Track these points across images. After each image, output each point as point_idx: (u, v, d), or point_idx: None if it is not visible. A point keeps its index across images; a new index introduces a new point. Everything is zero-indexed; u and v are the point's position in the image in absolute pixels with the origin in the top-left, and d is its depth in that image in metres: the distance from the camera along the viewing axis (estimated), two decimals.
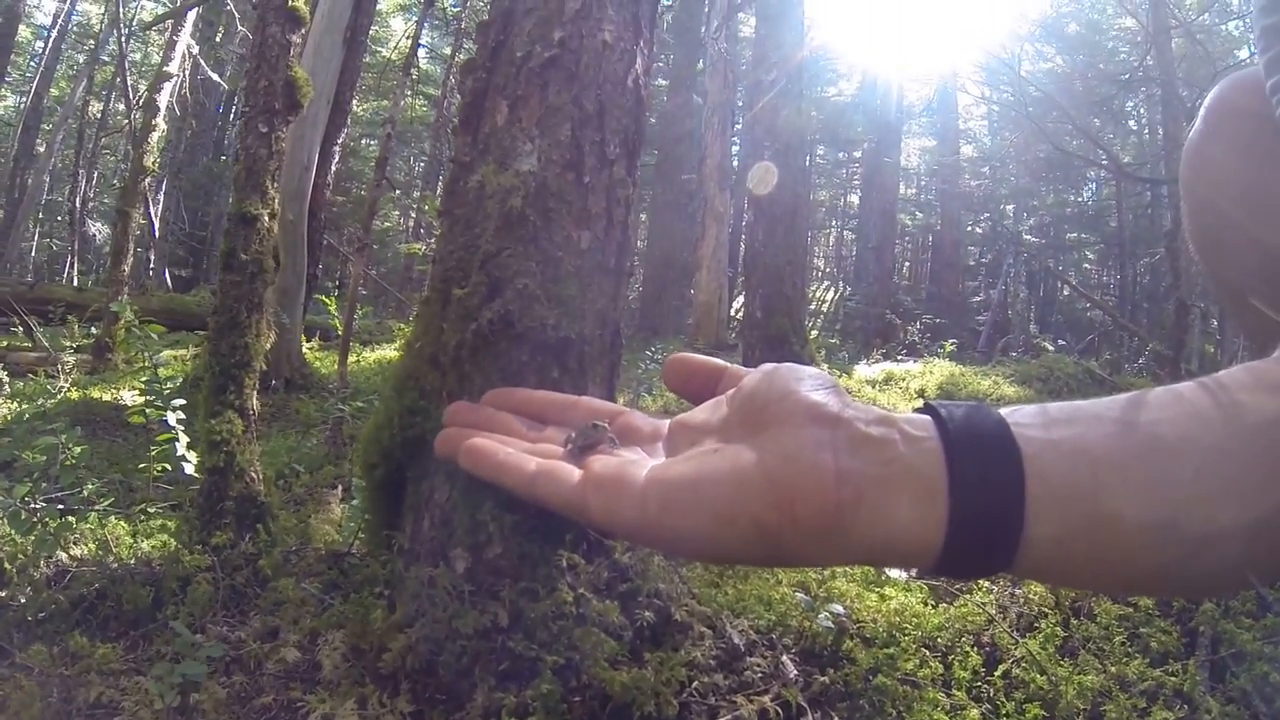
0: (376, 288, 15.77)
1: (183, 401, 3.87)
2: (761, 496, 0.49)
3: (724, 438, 0.56)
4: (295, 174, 8.56)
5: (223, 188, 19.94)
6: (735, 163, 17.06)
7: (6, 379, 8.36)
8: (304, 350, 9.15)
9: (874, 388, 8.62)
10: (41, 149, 20.90)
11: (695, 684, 2.30)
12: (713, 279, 15.12)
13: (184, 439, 3.81)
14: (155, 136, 11.43)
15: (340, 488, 4.57)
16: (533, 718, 2.09)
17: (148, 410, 3.87)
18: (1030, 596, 3.08)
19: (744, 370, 0.65)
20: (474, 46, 2.95)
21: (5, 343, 11.09)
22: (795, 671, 2.49)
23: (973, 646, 2.77)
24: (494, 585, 2.30)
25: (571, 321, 2.41)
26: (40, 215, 21.81)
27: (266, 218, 3.88)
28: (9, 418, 6.54)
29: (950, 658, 2.70)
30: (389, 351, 11.06)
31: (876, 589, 3.11)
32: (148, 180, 12.22)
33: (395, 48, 19.53)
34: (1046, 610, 3.00)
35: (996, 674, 2.64)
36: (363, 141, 23.43)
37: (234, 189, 4.03)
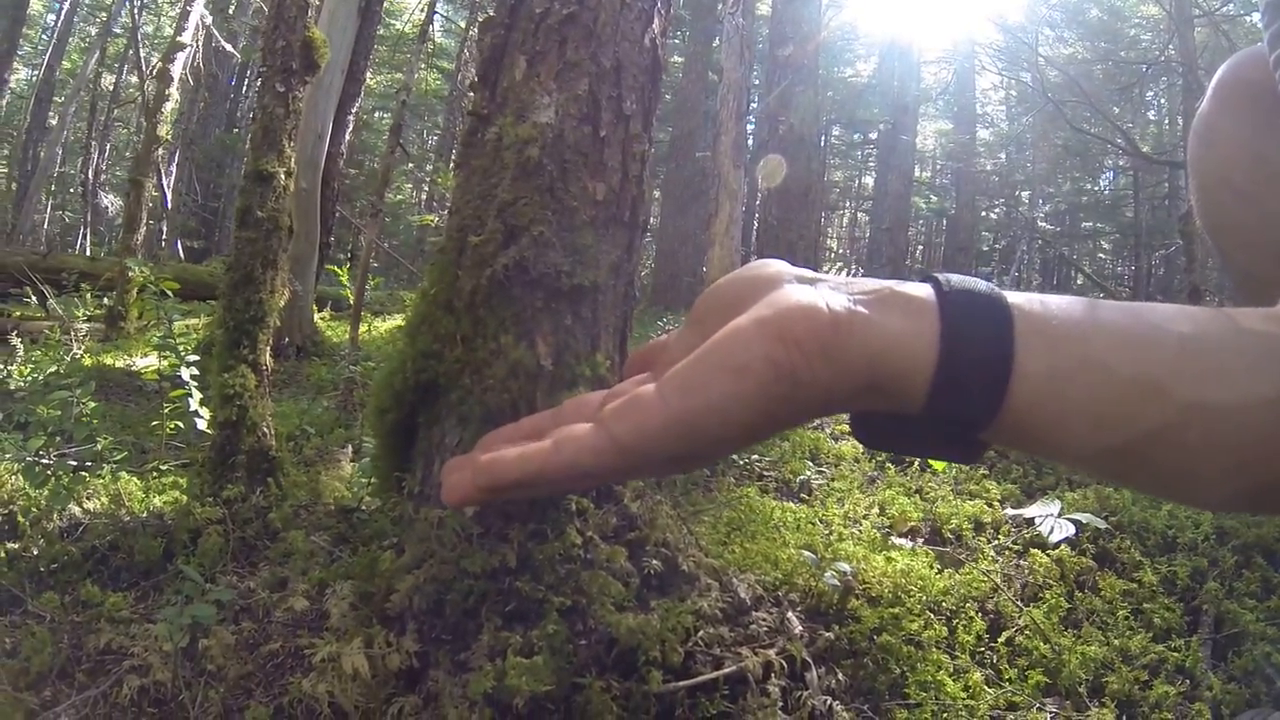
0: (388, 259, 15.80)
1: (197, 358, 3.93)
2: (762, 335, 0.50)
3: (706, 333, 0.55)
4: (309, 142, 8.59)
5: (235, 159, 20.02)
6: (750, 141, 17.02)
7: (20, 345, 8.52)
8: (315, 319, 9.26)
9: None
10: (54, 121, 21.01)
11: (701, 633, 2.32)
12: (725, 256, 15.08)
13: (197, 395, 3.87)
14: (169, 107, 11.47)
15: (350, 448, 4.62)
16: (538, 657, 2.12)
17: (162, 365, 3.92)
18: (1035, 568, 3.10)
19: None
20: (490, 9, 2.99)
21: (19, 312, 11.23)
22: (801, 628, 2.51)
23: (977, 612, 2.80)
24: (503, 528, 2.35)
25: (586, 270, 2.45)
26: (53, 188, 21.90)
27: (283, 176, 3.93)
28: (25, 381, 6.63)
29: (955, 622, 2.73)
30: (400, 321, 11.11)
31: (883, 552, 3.14)
32: (160, 151, 12.29)
33: (409, 21, 19.50)
34: (1051, 582, 3.03)
35: (1000, 640, 2.66)
36: (375, 115, 23.43)
37: (250, 148, 4.07)
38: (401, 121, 7.16)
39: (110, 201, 19.96)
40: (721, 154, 15.68)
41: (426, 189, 24.31)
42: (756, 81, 18.87)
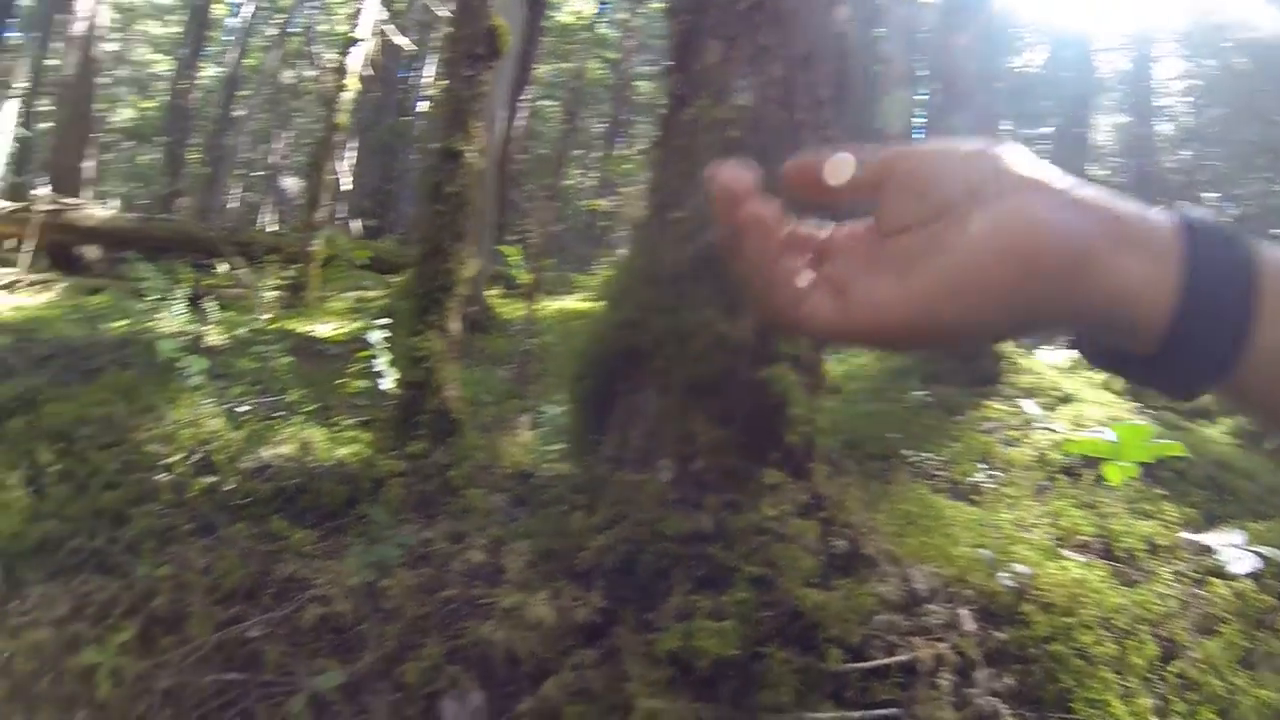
0: (558, 241, 16.24)
1: (386, 320, 4.26)
2: (1010, 265, 0.51)
3: (929, 206, 0.55)
4: (485, 123, 8.99)
5: (406, 146, 21.09)
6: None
7: (211, 309, 9.36)
8: (488, 297, 9.74)
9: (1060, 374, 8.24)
10: (241, 113, 22.62)
11: (878, 618, 2.36)
12: None
13: (384, 356, 4.19)
14: (346, 97, 12.21)
15: (528, 417, 4.87)
16: (726, 622, 2.20)
17: (352, 328, 4.26)
18: (1213, 599, 2.96)
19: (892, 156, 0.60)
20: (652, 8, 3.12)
21: (210, 281, 12.28)
22: (973, 625, 2.51)
23: (1150, 636, 2.70)
24: (699, 497, 2.43)
25: None
26: (238, 173, 23.62)
27: (470, 154, 4.23)
28: (221, 339, 7.28)
29: (1126, 642, 2.64)
30: (569, 302, 11.47)
31: (1057, 560, 3.07)
32: (339, 137, 13.10)
33: (572, 12, 19.95)
34: (1230, 616, 2.88)
35: (1171, 669, 2.56)
36: (542, 103, 24.12)
37: (439, 129, 4.38)
38: (577, 108, 7.40)
39: (291, 184, 21.47)
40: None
41: (596, 174, 24.86)
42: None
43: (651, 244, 2.62)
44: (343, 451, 4.13)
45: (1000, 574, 2.65)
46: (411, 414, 3.86)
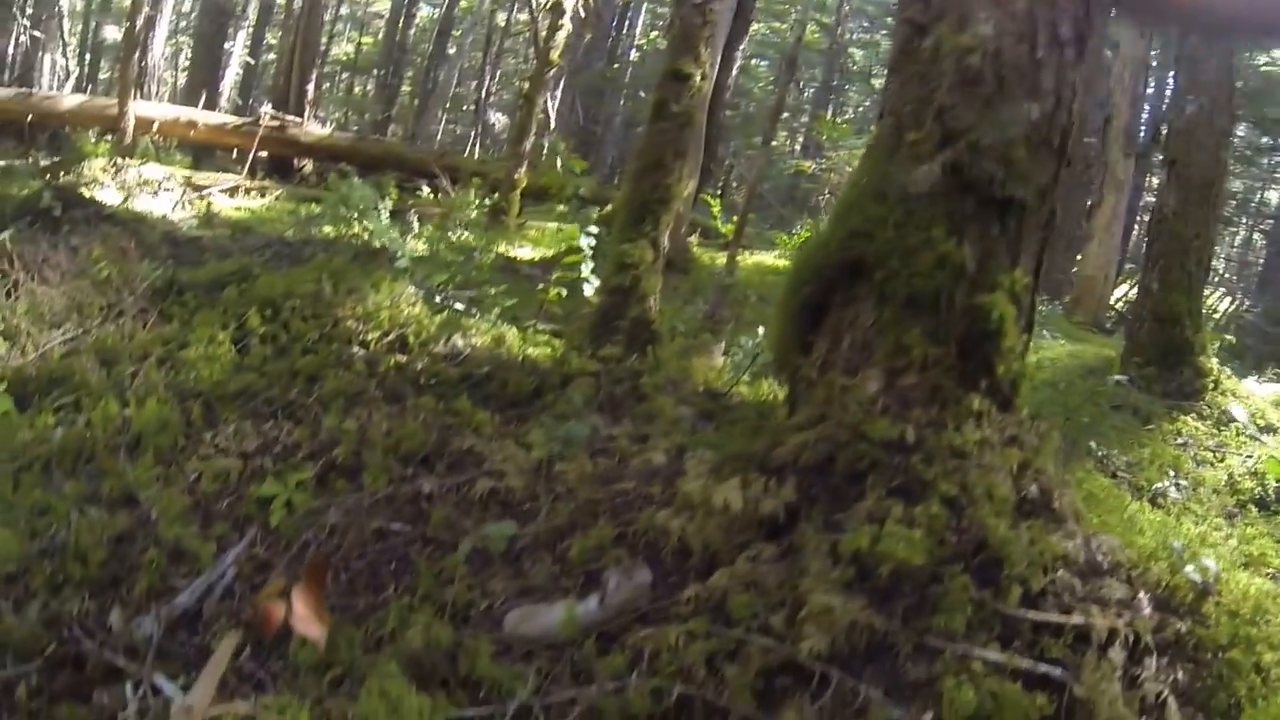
0: (760, 200, 16.18)
1: (596, 230, 4.17)
2: None
3: None
4: (703, 90, 8.88)
5: (614, 91, 21.46)
6: (1142, 128, 15.34)
7: (416, 223, 9.83)
8: (689, 239, 9.76)
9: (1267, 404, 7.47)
10: (452, 51, 23.64)
11: (1059, 574, 2.23)
12: (1103, 253, 13.77)
13: (590, 263, 4.11)
14: (560, 35, 12.36)
15: (722, 345, 4.73)
16: (916, 530, 2.11)
17: (564, 235, 4.18)
18: None
19: None
20: None
21: (413, 202, 12.88)
22: (1151, 610, 2.30)
23: None
24: (902, 410, 2.38)
25: (1016, 184, 2.48)
26: (448, 105, 24.68)
27: (697, 78, 4.17)
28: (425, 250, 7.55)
29: None
30: (768, 258, 11.35)
31: (1247, 572, 2.87)
32: (551, 73, 13.29)
33: None
34: None
35: None
36: (753, 61, 23.99)
37: (668, 52, 4.38)
38: (796, 55, 7.14)
39: (496, 118, 22.32)
40: (1112, 141, 14.23)
41: (800, 139, 24.70)
42: (1154, 62, 16.93)
43: (883, 164, 2.60)
44: (535, 352, 4.09)
45: (1187, 568, 2.46)
46: (610, 319, 3.82)
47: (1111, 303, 15.33)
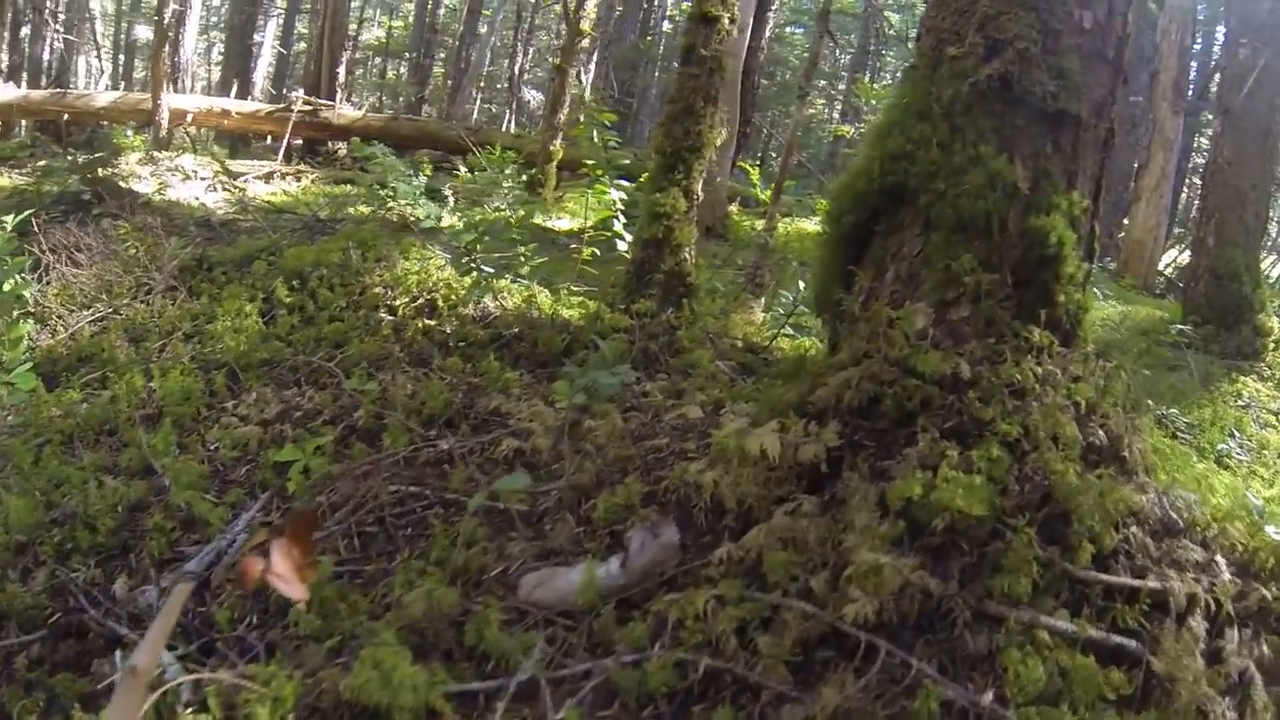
0: (799, 169, 15.89)
1: (625, 183, 4.02)
2: None
3: None
4: (731, 34, 8.67)
5: (648, 64, 21.18)
6: (1191, 83, 14.69)
7: (451, 200, 9.79)
8: (727, 205, 9.58)
9: None
10: (483, 30, 23.54)
11: (1132, 530, 2.00)
12: (1151, 214, 13.19)
13: (622, 219, 3.95)
14: (590, 4, 12.19)
15: (762, 298, 4.55)
16: (974, 477, 1.89)
17: (595, 186, 4.02)
18: None
19: None
20: None
21: (450, 181, 12.83)
22: (1230, 576, 2.07)
23: None
24: (954, 347, 2.14)
25: (1070, 97, 2.26)
26: (481, 84, 24.60)
27: (726, 21, 3.95)
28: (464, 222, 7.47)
29: None
30: (809, 225, 11.12)
31: None
32: (583, 44, 13.13)
33: None
34: None
35: None
36: (787, 30, 23.56)
37: None
38: (829, 7, 6.87)
39: (531, 95, 22.19)
40: (1159, 98, 13.59)
41: (839, 105, 24.26)
42: (1201, 15, 16.24)
43: (923, 83, 2.38)
44: (568, 313, 3.97)
45: (1268, 528, 2.19)
46: (644, 273, 3.67)
47: (1161, 268, 14.77)
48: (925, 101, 2.34)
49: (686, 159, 3.72)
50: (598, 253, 4.31)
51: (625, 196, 4.00)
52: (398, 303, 4.05)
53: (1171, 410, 4.37)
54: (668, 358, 3.27)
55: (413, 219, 4.64)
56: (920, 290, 2.21)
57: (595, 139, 4.17)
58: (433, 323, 3.82)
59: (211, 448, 2.79)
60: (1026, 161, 2.23)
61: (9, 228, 4.40)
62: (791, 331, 3.83)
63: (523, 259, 4.20)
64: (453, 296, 4.03)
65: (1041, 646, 1.73)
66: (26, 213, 4.32)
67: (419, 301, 4.04)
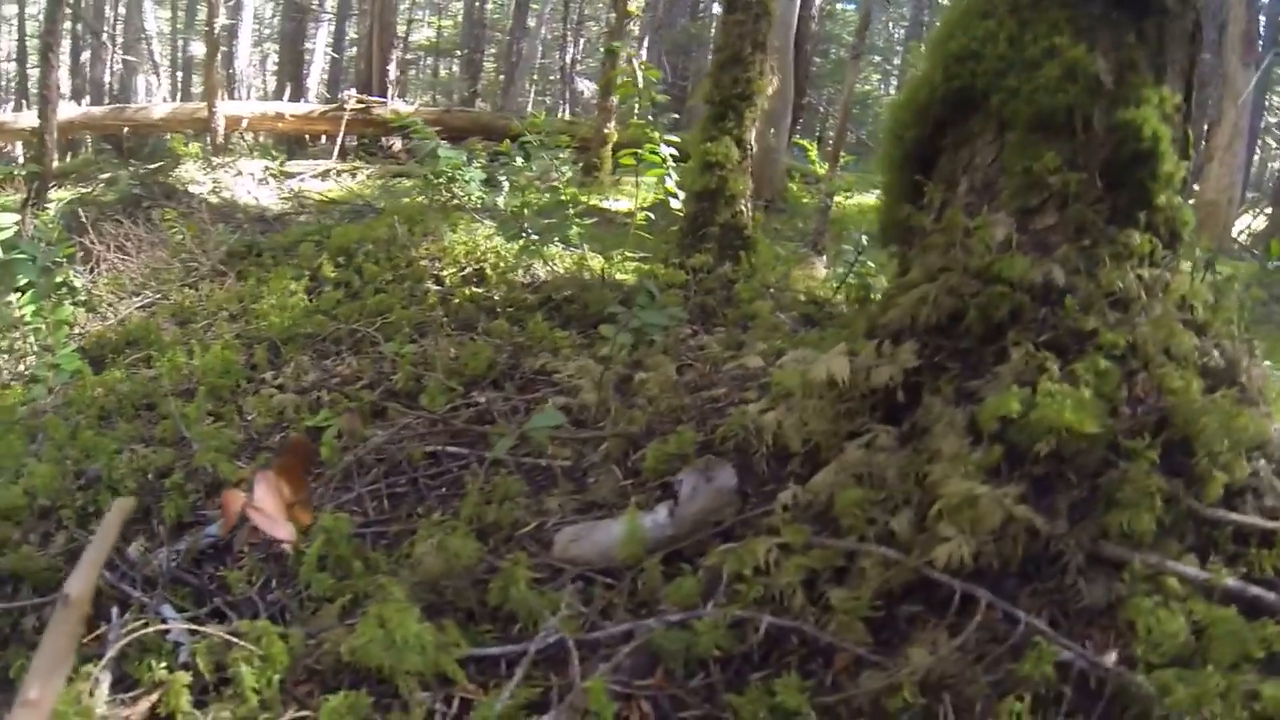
0: (857, 146, 15.55)
1: (676, 139, 3.84)
2: None
3: None
4: (781, 3, 8.52)
5: (700, 46, 20.94)
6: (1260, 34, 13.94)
7: (507, 185, 9.80)
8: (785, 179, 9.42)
9: None
10: (532, 23, 23.61)
11: (1260, 464, 1.73)
12: (1224, 174, 12.52)
13: (674, 176, 3.78)
14: None
15: (825, 258, 4.33)
16: (1082, 389, 1.63)
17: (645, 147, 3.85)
18: None
19: None
20: None
21: (504, 170, 12.85)
22: None
23: None
24: (1040, 258, 1.87)
25: None
26: (534, 76, 24.68)
27: None
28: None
29: None
30: (869, 200, 10.87)
31: None
32: (631, 23, 13.00)
33: None
34: None
35: None
36: (837, 6, 23.17)
37: None
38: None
39: (585, 86, 22.14)
40: (1229, 50, 12.91)
41: (894, 80, 23.84)
42: None
43: None
44: (620, 275, 3.81)
45: None
46: (699, 226, 3.51)
47: (1234, 235, 14.03)
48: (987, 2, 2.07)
49: (737, 107, 3.54)
50: (652, 216, 4.14)
51: (676, 153, 3.81)
52: (445, 273, 3.93)
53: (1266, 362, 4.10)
54: (726, 310, 3.09)
55: (464, 197, 4.52)
56: (999, 199, 1.96)
57: (641, 101, 3.99)
58: (480, 290, 3.69)
59: (247, 417, 2.69)
60: (1108, 53, 1.98)
61: (53, 215, 4.39)
62: (854, 280, 3.61)
63: (572, 224, 4.06)
64: (501, 264, 3.90)
65: (1171, 596, 1.45)
66: (69, 199, 4.32)
67: (466, 271, 3.92)
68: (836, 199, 8.17)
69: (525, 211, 3.82)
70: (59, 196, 10.26)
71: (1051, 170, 1.90)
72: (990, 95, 2.01)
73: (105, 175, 12.67)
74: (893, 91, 23.54)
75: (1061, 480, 1.62)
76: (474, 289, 3.68)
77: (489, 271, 3.87)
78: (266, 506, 1.15)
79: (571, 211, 4.01)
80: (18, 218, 3.77)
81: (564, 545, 1.74)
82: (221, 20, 14.13)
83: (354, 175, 12.87)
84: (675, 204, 3.73)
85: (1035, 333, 1.78)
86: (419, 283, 3.88)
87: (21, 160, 13.80)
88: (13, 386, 3.47)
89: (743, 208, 3.48)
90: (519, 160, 6.78)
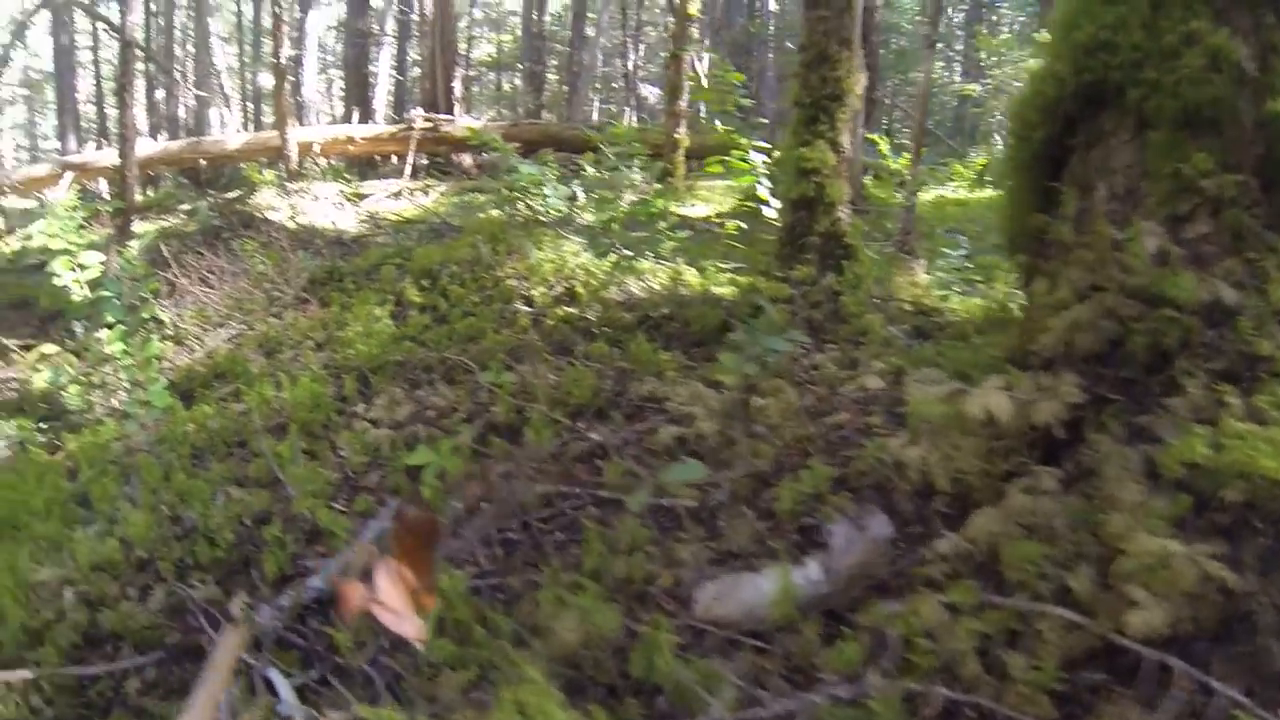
0: (931, 137, 15.24)
1: (767, 145, 3.69)
2: None
3: None
4: None
5: (760, 45, 20.73)
6: None
7: (582, 195, 9.82)
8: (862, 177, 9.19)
9: None
10: (591, 32, 23.78)
11: None
12: None
13: (766, 182, 3.62)
14: None
15: (923, 262, 4.11)
16: (1272, 429, 1.44)
17: (732, 154, 3.71)
18: None
19: None
20: None
21: (577, 180, 12.88)
22: None
23: None
24: (1201, 271, 1.70)
25: None
26: (597, 85, 24.80)
27: None
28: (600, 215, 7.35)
29: None
30: (945, 193, 10.58)
31: None
32: (691, 27, 12.92)
33: None
34: None
35: None
36: None
37: None
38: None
39: (649, 91, 22.15)
40: None
41: (958, 67, 23.34)
42: None
43: None
44: (719, 290, 3.65)
45: None
46: (798, 235, 3.32)
47: None
48: None
49: (829, 108, 3.35)
50: (744, 226, 3.99)
51: (768, 159, 3.65)
52: (534, 293, 3.83)
53: None
54: (835, 325, 2.91)
55: (544, 212, 4.41)
56: (1145, 206, 1.79)
57: (718, 107, 3.84)
58: (573, 310, 3.57)
59: (341, 453, 2.60)
60: (1249, 36, 1.82)
61: (137, 252, 4.41)
62: (960, 289, 3.41)
63: (664, 238, 3.92)
64: (592, 281, 3.78)
65: None
66: (152, 233, 4.34)
67: (557, 290, 3.81)
68: (919, 183, 7.94)
69: (614, 226, 3.69)
70: (143, 230, 10.56)
71: (1203, 173, 1.72)
72: (1127, 89, 1.85)
73: (186, 207, 13.05)
74: (958, 79, 23.01)
75: (1248, 529, 1.44)
76: (567, 309, 3.57)
77: (580, 290, 3.75)
78: (391, 600, 1.00)
79: (664, 225, 3.86)
80: (103, 256, 3.77)
81: (707, 605, 1.58)
82: (287, 50, 14.44)
83: (427, 193, 13.02)
84: (769, 212, 3.57)
85: (1209, 356, 1.62)
86: (508, 303, 3.78)
87: (106, 196, 14.26)
88: (106, 423, 3.47)
89: (842, 214, 3.30)
90: (600, 172, 6.70)
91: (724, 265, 4.00)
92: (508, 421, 2.56)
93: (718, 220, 4.00)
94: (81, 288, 3.66)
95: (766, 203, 3.60)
